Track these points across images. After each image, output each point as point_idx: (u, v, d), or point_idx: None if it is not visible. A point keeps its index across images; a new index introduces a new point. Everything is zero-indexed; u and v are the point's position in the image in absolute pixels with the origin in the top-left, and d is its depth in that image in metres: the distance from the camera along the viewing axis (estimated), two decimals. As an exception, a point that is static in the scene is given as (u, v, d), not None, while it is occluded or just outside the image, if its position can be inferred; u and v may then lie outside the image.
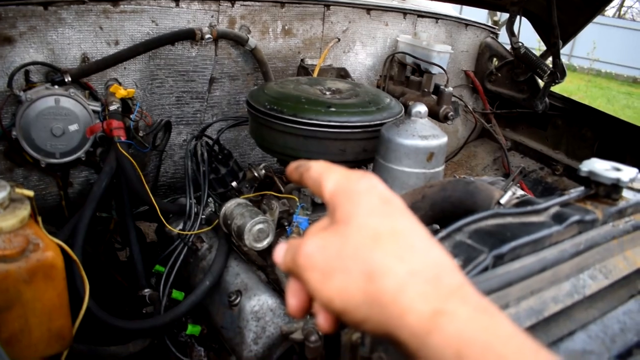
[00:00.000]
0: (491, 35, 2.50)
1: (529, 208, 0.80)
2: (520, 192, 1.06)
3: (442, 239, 0.73)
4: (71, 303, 1.11)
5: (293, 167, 0.52)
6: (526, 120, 2.39)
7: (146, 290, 1.54)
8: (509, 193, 0.90)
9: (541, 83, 2.21)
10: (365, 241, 0.40)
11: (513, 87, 2.37)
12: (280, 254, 0.46)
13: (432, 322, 0.36)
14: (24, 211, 0.95)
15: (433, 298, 0.37)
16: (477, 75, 2.50)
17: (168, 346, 1.46)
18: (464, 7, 2.61)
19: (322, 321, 0.45)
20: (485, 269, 0.70)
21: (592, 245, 0.81)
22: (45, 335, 0.94)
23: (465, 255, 0.70)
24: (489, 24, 2.67)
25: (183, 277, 1.62)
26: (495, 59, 2.45)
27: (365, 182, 0.44)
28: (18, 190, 0.97)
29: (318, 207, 1.54)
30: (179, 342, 1.54)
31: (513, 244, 0.71)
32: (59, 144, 1.54)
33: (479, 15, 2.55)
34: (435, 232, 0.78)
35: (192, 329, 1.51)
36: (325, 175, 0.46)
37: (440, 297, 0.37)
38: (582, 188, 0.89)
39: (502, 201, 0.90)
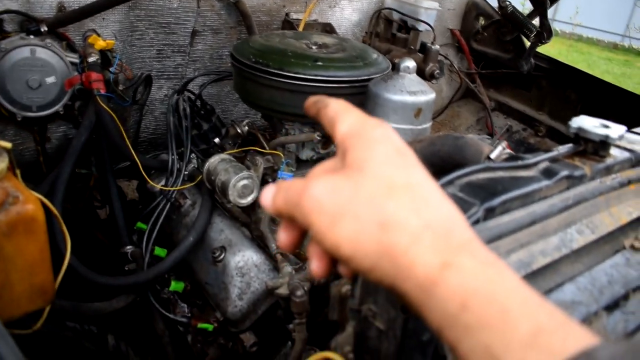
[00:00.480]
0: (478, -7, 2.46)
1: (520, 162, 0.80)
2: (508, 150, 1.06)
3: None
4: (53, 260, 1.09)
5: (312, 101, 0.51)
6: (511, 80, 2.38)
7: (128, 247, 1.52)
8: (499, 148, 0.90)
9: (527, 43, 2.20)
10: (380, 190, 0.39)
11: (499, 46, 2.35)
12: (268, 195, 0.45)
13: (439, 273, 0.37)
14: (2, 164, 0.92)
15: (443, 251, 0.38)
16: (463, 35, 2.47)
17: (151, 302, 1.46)
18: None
19: (316, 267, 0.45)
20: (477, 222, 0.70)
21: (580, 200, 0.81)
22: (27, 291, 0.93)
23: (457, 207, 0.70)
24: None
25: (166, 233, 1.61)
26: (481, 18, 2.41)
27: (381, 130, 0.43)
28: (-5, 141, 0.94)
29: (303, 164, 1.52)
30: (162, 298, 1.54)
31: (504, 197, 0.71)
32: (36, 97, 1.49)
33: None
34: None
35: (175, 286, 1.51)
36: (341, 116, 0.46)
37: (450, 251, 0.38)
38: (570, 145, 0.90)
39: (492, 156, 0.89)
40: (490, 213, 0.71)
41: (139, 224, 1.61)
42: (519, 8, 2.25)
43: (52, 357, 1.26)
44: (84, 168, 1.75)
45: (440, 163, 0.96)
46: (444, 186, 0.74)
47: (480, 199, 0.71)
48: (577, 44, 11.45)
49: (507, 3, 2.21)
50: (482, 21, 2.42)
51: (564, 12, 11.60)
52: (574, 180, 0.82)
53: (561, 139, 2.13)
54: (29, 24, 1.45)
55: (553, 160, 0.85)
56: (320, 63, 1.36)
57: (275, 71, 1.34)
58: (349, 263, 0.40)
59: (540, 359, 0.33)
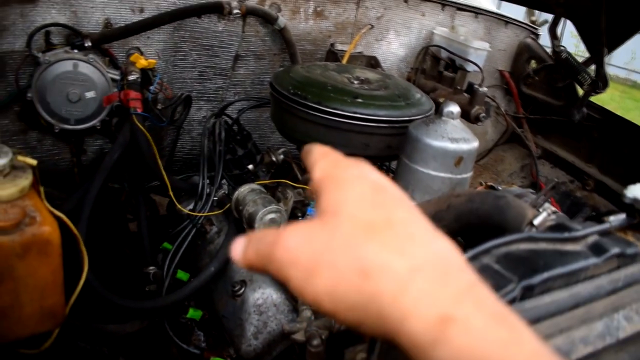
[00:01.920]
0: (532, 35, 2.38)
1: (566, 235, 0.72)
2: (554, 215, 0.98)
3: (468, 260, 0.67)
4: (73, 276, 1.07)
5: (305, 150, 0.46)
6: (560, 128, 2.28)
7: (151, 267, 1.50)
8: (544, 214, 0.83)
9: (580, 91, 2.10)
10: (357, 232, 0.34)
11: (550, 92, 2.25)
12: (239, 248, 0.39)
13: (438, 330, 0.30)
14: (25, 181, 0.90)
15: (440, 300, 0.31)
16: (513, 77, 2.39)
17: (167, 329, 1.42)
18: (502, 2, 2.49)
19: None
20: (513, 301, 0.63)
21: (630, 282, 0.73)
22: (36, 312, 0.90)
23: (492, 282, 0.63)
24: (526, 20, 2.55)
25: (190, 258, 1.58)
26: (533, 61, 2.33)
27: (354, 169, 0.39)
28: (21, 157, 0.92)
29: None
30: (179, 323, 1.50)
31: (545, 275, 0.64)
32: (75, 110, 1.49)
33: (516, 13, 2.43)
34: (460, 247, 0.71)
35: (193, 313, 1.47)
36: (317, 162, 0.41)
37: (449, 300, 0.31)
38: (623, 216, 0.82)
39: (536, 222, 0.82)
40: (528, 292, 0.64)
41: (165, 244, 1.59)
42: (572, 50, 2.16)
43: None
44: (118, 182, 1.75)
45: (478, 223, 0.89)
46: (480, 255, 0.68)
47: (519, 275, 0.64)
48: (631, 90, 11.11)
49: (562, 48, 2.12)
50: (533, 64, 2.34)
51: (619, 57, 11.29)
52: (625, 259, 0.74)
53: (610, 195, 2.01)
54: (74, 38, 1.47)
55: (603, 233, 0.77)
56: (360, 100, 1.31)
57: (313, 105, 1.30)
58: (335, 318, 0.35)
59: None
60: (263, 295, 1.28)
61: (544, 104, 2.27)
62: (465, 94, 1.91)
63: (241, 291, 1.30)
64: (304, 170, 1.54)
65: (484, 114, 1.82)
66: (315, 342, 1.04)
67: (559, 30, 2.10)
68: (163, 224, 1.78)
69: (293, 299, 1.26)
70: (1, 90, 1.47)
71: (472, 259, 0.67)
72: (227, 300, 1.34)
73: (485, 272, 0.66)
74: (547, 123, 2.30)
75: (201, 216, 1.53)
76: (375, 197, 0.37)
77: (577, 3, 1.90)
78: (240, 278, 1.34)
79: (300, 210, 1.44)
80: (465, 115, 1.84)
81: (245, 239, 0.40)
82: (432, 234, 0.36)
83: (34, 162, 0.93)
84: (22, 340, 0.97)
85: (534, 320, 0.61)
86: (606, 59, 1.98)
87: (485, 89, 1.80)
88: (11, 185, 0.87)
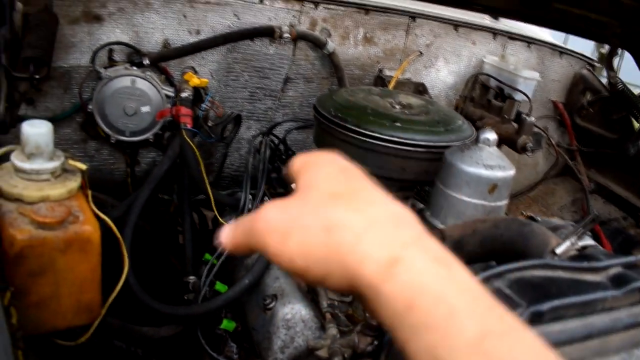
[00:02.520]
0: (588, 66, 2.33)
1: (585, 264, 0.71)
2: (584, 243, 0.96)
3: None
4: (116, 278, 1.13)
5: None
6: (615, 163, 2.20)
7: (191, 277, 1.55)
8: (567, 243, 0.81)
9: (636, 125, 2.03)
10: (324, 199, 0.40)
11: (604, 125, 2.19)
12: (227, 232, 0.45)
13: (387, 269, 0.36)
14: (74, 183, 0.98)
15: (390, 246, 0.37)
16: (567, 108, 2.33)
17: (199, 337, 1.46)
18: (571, 35, 2.45)
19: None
20: (519, 326, 0.63)
21: (654, 318, 0.71)
22: (74, 305, 0.96)
23: (499, 306, 0.64)
24: (594, 55, 2.49)
25: (228, 270, 1.62)
26: (588, 93, 2.27)
27: (325, 156, 0.45)
28: (72, 162, 1.00)
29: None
30: (213, 334, 1.54)
31: (556, 302, 0.64)
32: (130, 123, 1.59)
33: (585, 45, 2.39)
34: (488, 268, 0.71)
35: (227, 324, 1.50)
36: (294, 159, 0.47)
37: (398, 246, 0.37)
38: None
39: (558, 251, 0.81)
40: (537, 318, 0.63)
41: (207, 256, 1.65)
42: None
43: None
44: (167, 194, 1.84)
45: (502, 249, 0.88)
46: (492, 278, 0.68)
47: (528, 300, 0.64)
48: None
49: (618, 80, 2.06)
50: (588, 96, 2.28)
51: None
52: (649, 294, 0.72)
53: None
54: (134, 56, 1.57)
55: (628, 266, 0.75)
56: (398, 124, 1.33)
57: (352, 127, 1.33)
58: (307, 276, 0.40)
59: None
60: (292, 310, 1.30)
61: (598, 136, 2.20)
62: (514, 124, 1.89)
63: (272, 305, 1.33)
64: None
65: (531, 144, 1.79)
66: (337, 359, 1.05)
67: (615, 61, 2.04)
68: (209, 237, 1.84)
69: (322, 316, 1.28)
70: (66, 101, 1.59)
71: (484, 282, 0.67)
72: (259, 313, 1.37)
73: (495, 296, 0.65)
74: (601, 156, 2.23)
75: (241, 230, 1.58)
76: (341, 175, 0.43)
77: (635, 33, 1.85)
78: (272, 292, 1.37)
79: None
80: (512, 145, 1.82)
81: (231, 224, 0.46)
82: (389, 200, 0.41)
83: (83, 166, 1.01)
84: (59, 332, 1.03)
85: (540, 347, 0.61)
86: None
87: (533, 118, 1.77)
88: (61, 186, 0.95)
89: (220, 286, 1.57)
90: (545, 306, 0.63)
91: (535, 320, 0.63)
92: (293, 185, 0.45)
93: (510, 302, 0.64)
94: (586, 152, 2.30)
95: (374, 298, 0.36)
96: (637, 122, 2.00)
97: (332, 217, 0.39)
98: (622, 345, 0.67)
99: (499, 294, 0.65)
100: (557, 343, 0.62)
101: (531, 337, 0.34)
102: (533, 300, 0.63)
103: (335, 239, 0.38)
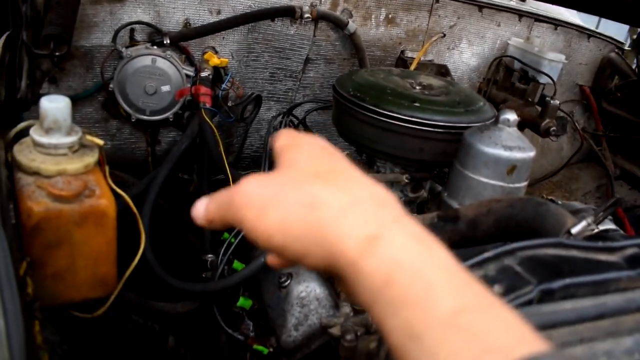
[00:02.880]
0: (616, 50, 2.26)
1: (600, 244, 0.70)
2: (605, 227, 0.94)
3: (489, 260, 0.66)
4: (133, 254, 1.15)
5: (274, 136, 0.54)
6: (642, 148, 2.14)
7: (209, 255, 1.57)
8: (583, 223, 0.79)
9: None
10: (305, 176, 0.41)
11: (633, 110, 2.13)
12: (200, 206, 0.45)
13: (367, 246, 0.36)
14: (91, 158, 0.99)
15: (370, 225, 0.37)
16: (594, 92, 2.27)
17: (215, 314, 1.48)
18: (603, 19, 2.38)
19: (271, 257, 0.47)
20: (529, 303, 0.62)
21: (670, 300, 0.69)
22: (89, 278, 0.98)
23: (508, 283, 0.63)
24: (627, 40, 2.41)
25: (245, 249, 1.64)
26: (617, 77, 2.21)
27: (308, 138, 0.46)
28: (89, 137, 1.01)
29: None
30: (230, 312, 1.56)
31: (567, 281, 0.63)
32: (150, 102, 1.60)
33: (618, 29, 2.32)
34: (479, 252, 0.70)
35: (244, 302, 1.52)
36: (279, 136, 0.47)
37: (378, 225, 0.37)
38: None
39: (573, 231, 0.79)
40: (548, 296, 0.62)
41: (225, 235, 1.66)
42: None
43: (109, 344, 1.33)
44: (187, 174, 1.86)
45: (517, 228, 0.87)
46: (502, 255, 0.67)
47: (539, 278, 0.63)
48: None
49: (649, 64, 2.00)
50: (617, 80, 2.21)
51: None
52: (666, 276, 0.70)
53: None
54: (155, 36, 1.58)
55: (646, 247, 0.73)
56: (417, 104, 1.32)
57: (370, 107, 1.32)
58: (284, 253, 0.40)
59: (460, 340, 0.31)
60: (307, 288, 1.31)
61: (625, 122, 2.14)
62: (537, 107, 1.85)
63: (287, 283, 1.34)
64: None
65: (554, 128, 1.75)
66: (349, 337, 1.05)
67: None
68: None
69: (336, 295, 1.28)
70: (89, 80, 1.61)
71: (493, 258, 0.66)
72: (274, 291, 1.38)
73: (505, 273, 0.64)
74: (628, 142, 2.17)
75: (258, 209, 1.59)
76: (322, 156, 0.44)
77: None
78: (288, 271, 1.38)
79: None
80: (535, 128, 1.79)
81: (205, 199, 0.46)
82: (370, 182, 0.42)
83: (101, 142, 1.02)
84: (76, 304, 1.05)
85: (549, 325, 0.60)
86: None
87: (557, 101, 1.73)
88: (78, 160, 0.96)
89: (238, 264, 1.58)
90: (557, 284, 0.62)
91: (545, 298, 0.62)
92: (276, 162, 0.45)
93: (520, 280, 0.63)
94: (612, 138, 2.24)
95: (353, 276, 0.37)
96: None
97: (313, 194, 0.39)
98: (636, 326, 0.65)
99: (509, 271, 0.65)
100: (568, 321, 0.61)
101: (508, 313, 0.33)
102: (544, 278, 0.62)
103: (316, 216, 0.38)
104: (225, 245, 1.56)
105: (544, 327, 0.59)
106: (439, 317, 0.33)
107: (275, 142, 0.47)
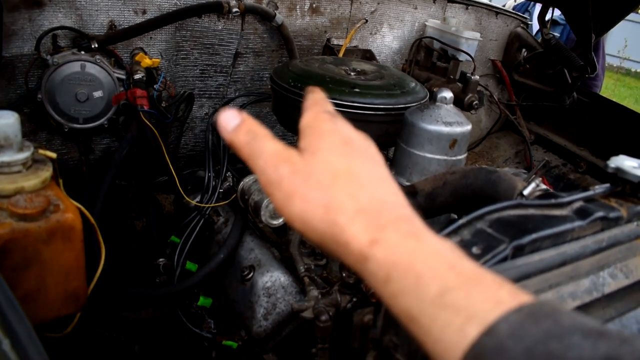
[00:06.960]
0: (522, 25, 2.44)
1: (552, 201, 0.78)
2: (543, 186, 1.04)
3: (462, 226, 0.73)
4: (88, 267, 1.12)
5: (306, 91, 0.58)
6: (552, 114, 2.34)
7: (161, 259, 1.55)
8: (532, 185, 0.89)
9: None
10: (326, 177, 0.46)
11: (541, 79, 2.32)
12: (232, 123, 0.50)
13: (368, 250, 0.43)
14: (46, 172, 0.96)
15: (372, 230, 0.44)
16: (505, 66, 2.45)
17: (179, 316, 1.48)
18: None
19: None
20: (505, 259, 0.69)
21: (614, 243, 0.79)
22: (60, 295, 0.96)
23: (484, 244, 0.70)
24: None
25: (198, 249, 1.64)
26: (524, 50, 2.40)
27: (330, 124, 0.50)
28: (41, 151, 0.98)
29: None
30: (190, 313, 1.56)
31: (534, 235, 0.70)
32: (83, 110, 1.55)
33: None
34: (452, 222, 0.77)
35: (204, 301, 1.52)
36: (306, 108, 0.53)
37: (378, 230, 0.44)
38: (607, 184, 0.88)
39: (525, 192, 0.88)
40: (519, 251, 0.70)
41: (173, 238, 1.65)
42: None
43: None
44: (124, 180, 1.81)
45: (473, 197, 0.95)
46: (474, 221, 0.74)
47: (510, 237, 0.70)
48: (624, 77, 11.16)
49: (551, 35, 2.19)
50: (524, 53, 2.40)
51: (612, 45, 11.33)
52: (609, 222, 0.80)
53: (603, 176, 2.07)
54: (81, 41, 1.52)
55: (588, 200, 0.83)
56: (357, 90, 1.37)
57: (313, 96, 1.36)
58: (304, 236, 0.48)
59: (446, 316, 0.39)
60: (271, 278, 1.34)
61: (535, 91, 2.34)
62: (459, 83, 1.97)
63: (250, 276, 1.36)
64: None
65: (476, 102, 1.88)
66: (324, 317, 1.10)
67: (547, 18, 2.16)
68: (167, 222, 1.84)
69: (300, 281, 1.32)
70: (11, 92, 1.53)
71: (466, 224, 0.73)
72: (237, 285, 1.40)
73: (479, 235, 0.71)
74: (539, 109, 2.37)
75: (208, 207, 1.59)
76: (342, 149, 0.48)
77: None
78: (249, 263, 1.40)
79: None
80: (459, 103, 1.90)
81: (237, 118, 0.51)
82: (378, 182, 0.48)
83: (53, 155, 0.99)
84: (46, 324, 1.02)
85: (524, 276, 0.67)
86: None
87: (477, 77, 1.86)
88: (34, 176, 0.93)
89: (190, 265, 1.58)
90: (525, 240, 0.69)
91: (517, 253, 0.69)
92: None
93: (493, 240, 0.70)
94: (525, 106, 2.43)
95: (360, 273, 0.45)
96: (571, 74, 2.13)
97: (329, 197, 0.45)
98: (590, 269, 0.75)
99: (483, 233, 0.71)
100: (537, 271, 0.69)
101: (487, 283, 0.40)
102: (514, 235, 0.70)
103: (332, 218, 0.45)
104: (179, 246, 1.55)
105: (520, 278, 0.67)
106: (428, 300, 0.40)
107: (303, 113, 0.52)
